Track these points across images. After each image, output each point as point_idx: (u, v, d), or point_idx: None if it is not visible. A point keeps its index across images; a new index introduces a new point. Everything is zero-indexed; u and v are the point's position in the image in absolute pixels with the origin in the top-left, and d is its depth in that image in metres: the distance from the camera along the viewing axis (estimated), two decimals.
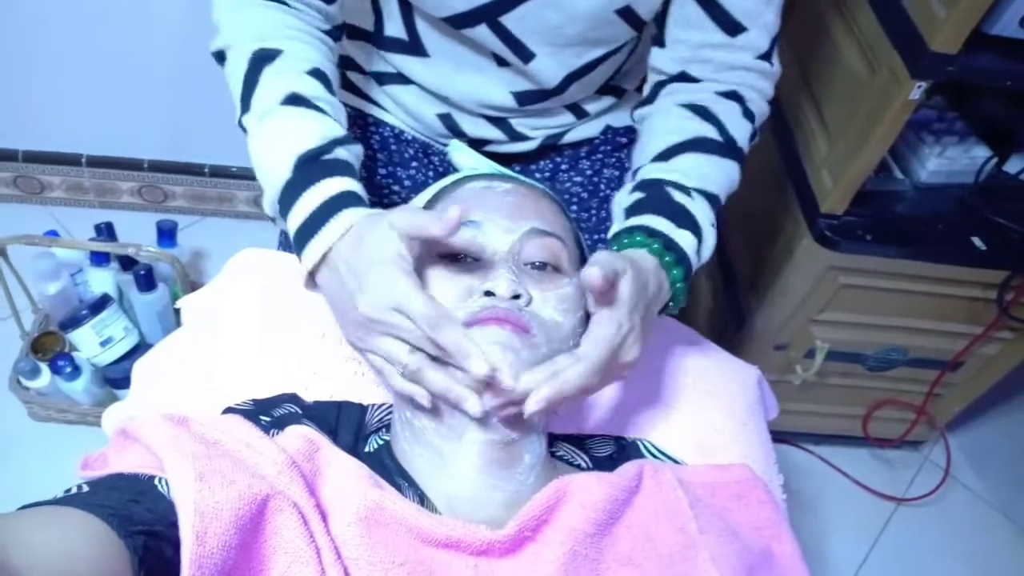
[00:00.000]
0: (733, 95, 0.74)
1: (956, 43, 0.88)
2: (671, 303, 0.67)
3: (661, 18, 0.76)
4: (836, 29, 1.11)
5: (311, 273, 0.63)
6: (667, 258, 0.64)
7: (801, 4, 1.17)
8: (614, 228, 0.70)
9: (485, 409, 0.54)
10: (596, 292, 0.55)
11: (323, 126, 0.64)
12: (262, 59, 0.66)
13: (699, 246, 0.67)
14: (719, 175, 0.71)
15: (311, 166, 0.63)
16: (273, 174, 0.63)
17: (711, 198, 0.70)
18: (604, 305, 0.57)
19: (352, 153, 0.66)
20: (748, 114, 0.74)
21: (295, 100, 0.65)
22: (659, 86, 0.78)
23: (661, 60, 0.77)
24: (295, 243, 0.62)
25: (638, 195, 0.69)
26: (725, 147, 0.72)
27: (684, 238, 0.66)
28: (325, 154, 0.63)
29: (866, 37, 1.03)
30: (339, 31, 0.75)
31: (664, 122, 0.74)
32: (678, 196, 0.68)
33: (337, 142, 0.65)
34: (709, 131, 0.71)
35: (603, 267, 0.54)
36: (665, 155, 0.71)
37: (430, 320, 0.52)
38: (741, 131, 0.73)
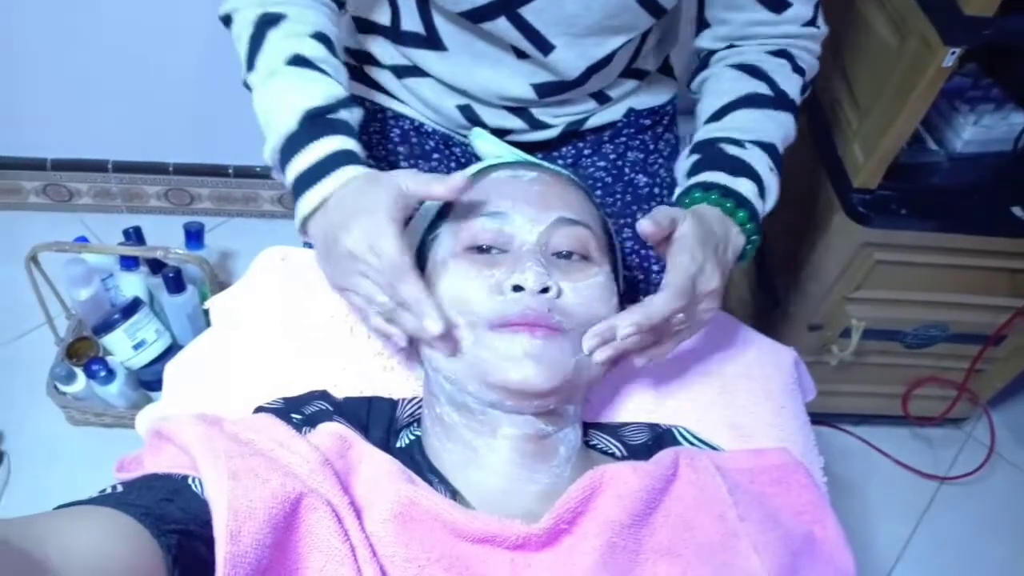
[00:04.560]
0: (782, 53, 0.75)
1: (992, 5, 0.84)
2: (748, 246, 0.68)
3: (701, 2, 0.77)
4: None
5: (305, 221, 0.64)
6: (728, 204, 0.66)
7: None
8: (676, 192, 0.72)
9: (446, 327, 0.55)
10: (653, 240, 0.58)
11: (328, 86, 0.66)
12: (267, 22, 0.68)
13: (760, 190, 0.68)
14: (773, 126, 0.72)
15: (316, 121, 0.64)
16: (278, 124, 0.65)
17: (766, 147, 0.71)
18: (671, 250, 0.59)
19: (354, 116, 0.68)
20: (798, 69, 0.75)
21: (300, 61, 0.67)
22: (709, 55, 0.80)
23: (705, 40, 0.79)
24: (294, 190, 0.64)
25: (695, 157, 0.71)
26: (777, 100, 0.73)
27: (742, 184, 0.67)
28: (330, 113, 0.65)
29: (894, 4, 1.00)
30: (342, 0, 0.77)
31: (716, 84, 0.76)
32: (732, 149, 0.69)
33: (341, 103, 0.66)
34: (760, 87, 0.73)
35: (654, 217, 0.57)
36: (718, 115, 0.73)
37: (394, 267, 0.55)
38: (792, 85, 0.74)
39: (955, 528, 1.43)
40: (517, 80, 0.81)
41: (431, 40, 0.80)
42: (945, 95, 1.07)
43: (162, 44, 1.42)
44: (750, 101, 0.72)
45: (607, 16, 0.73)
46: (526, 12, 0.73)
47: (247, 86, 0.70)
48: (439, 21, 0.79)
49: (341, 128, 0.65)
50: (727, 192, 0.66)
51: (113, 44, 1.41)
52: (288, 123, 0.64)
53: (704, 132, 0.72)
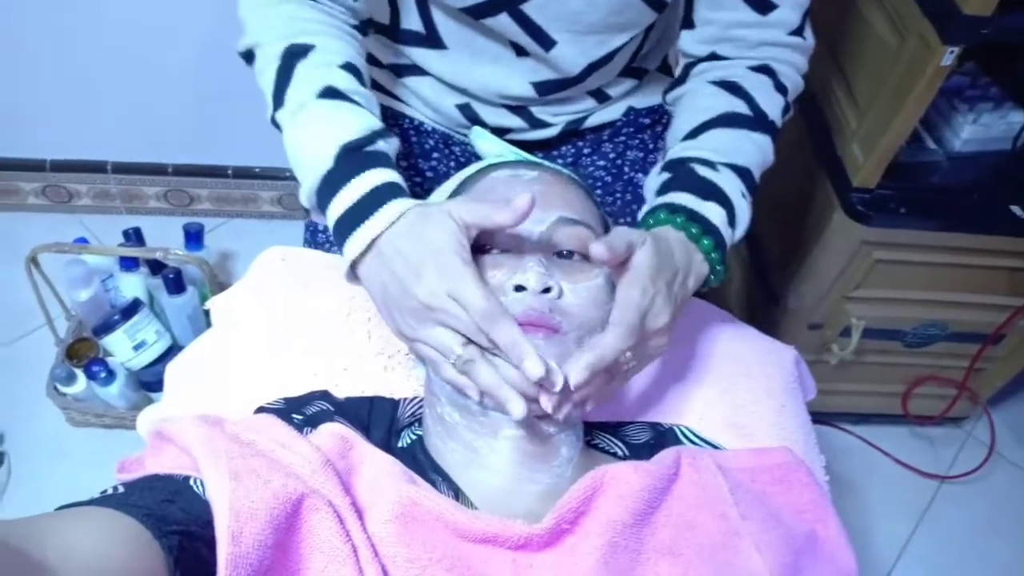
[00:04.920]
0: (765, 69, 0.73)
1: (990, 4, 0.85)
2: (711, 276, 0.66)
3: (689, 2, 0.75)
4: None
5: (353, 263, 0.61)
6: (693, 230, 0.64)
7: None
8: (642, 211, 0.69)
9: (527, 414, 0.52)
10: (608, 264, 0.55)
11: (362, 119, 0.64)
12: (294, 54, 0.65)
13: (729, 217, 0.66)
14: (749, 148, 0.70)
15: (354, 156, 0.61)
16: (313, 164, 0.62)
17: (740, 171, 0.68)
18: (623, 280, 0.57)
19: (391, 146, 0.66)
20: (780, 87, 0.73)
21: (332, 93, 0.64)
22: (689, 67, 0.77)
23: (689, 43, 0.77)
24: (336, 232, 0.61)
25: (665, 176, 0.69)
26: (755, 121, 0.71)
27: (710, 210, 0.65)
28: (368, 145, 0.62)
29: (893, 3, 1.00)
30: (365, 27, 0.75)
31: (693, 101, 0.74)
32: (703, 171, 0.67)
33: (377, 134, 0.64)
34: (739, 106, 0.71)
35: (609, 241, 0.54)
36: (694, 133, 0.71)
37: (485, 314, 0.51)
38: (773, 105, 0.72)
39: (956, 527, 1.43)
40: (517, 78, 0.81)
41: (431, 38, 0.80)
42: (944, 94, 1.08)
43: (161, 45, 1.42)
44: (728, 120, 0.70)
45: (612, 13, 0.73)
46: (528, 8, 0.72)
47: (275, 123, 0.67)
48: (439, 19, 0.79)
49: (380, 160, 0.62)
50: (693, 216, 0.64)
51: (112, 45, 1.41)
52: (324, 161, 0.61)
53: (678, 150, 0.70)
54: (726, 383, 0.74)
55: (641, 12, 0.74)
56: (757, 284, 1.42)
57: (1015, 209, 1.08)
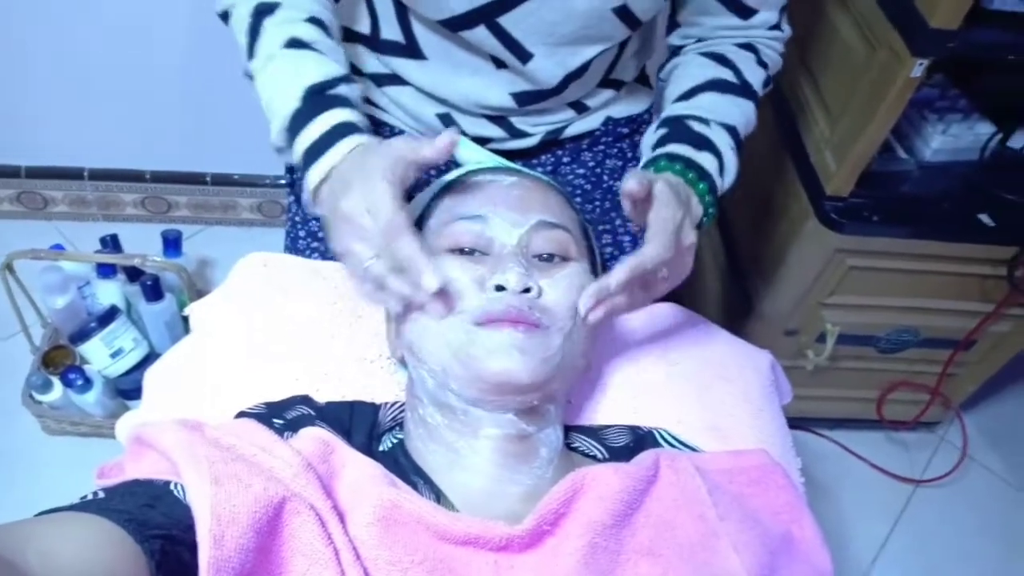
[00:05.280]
0: (748, 47, 0.79)
1: (956, 19, 0.87)
2: (704, 218, 0.70)
3: (673, 5, 0.81)
4: (833, 9, 1.10)
5: (315, 192, 0.65)
6: (690, 175, 0.69)
7: None
8: (641, 162, 0.75)
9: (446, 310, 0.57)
10: (636, 197, 0.60)
11: (324, 65, 0.68)
12: (262, 12, 0.70)
13: (720, 167, 0.72)
14: (736, 111, 0.76)
15: (318, 98, 0.66)
16: (282, 105, 0.67)
17: (729, 128, 0.74)
18: (647, 211, 0.62)
19: (353, 92, 0.70)
20: (762, 63, 0.79)
21: (296, 44, 0.69)
22: (680, 48, 0.84)
23: (676, 38, 0.84)
24: (303, 164, 0.66)
25: (662, 131, 0.74)
26: (741, 88, 0.77)
27: (704, 159, 0.71)
28: (329, 88, 0.67)
29: (864, 16, 1.02)
30: None
31: (685, 70, 0.80)
32: (697, 127, 0.73)
33: (339, 80, 0.68)
34: (727, 74, 0.77)
35: (636, 176, 0.59)
36: (686, 96, 0.77)
37: (390, 225, 0.56)
38: (755, 76, 0.78)
39: (931, 530, 1.45)
40: (496, 89, 0.82)
41: (410, 49, 0.81)
42: (914, 105, 1.10)
43: (139, 50, 1.41)
44: (716, 86, 0.76)
45: (584, 26, 0.74)
46: (504, 21, 0.73)
47: (248, 75, 0.72)
48: (418, 30, 0.79)
49: (341, 102, 0.66)
50: (690, 164, 0.69)
51: (89, 50, 1.40)
52: (291, 102, 0.66)
53: (672, 109, 0.76)
54: (704, 387, 0.75)
55: (615, 26, 0.75)
56: (733, 290, 1.44)
57: (983, 218, 1.10)
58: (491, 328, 0.56)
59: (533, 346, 0.55)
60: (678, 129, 0.73)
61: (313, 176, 0.64)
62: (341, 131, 0.64)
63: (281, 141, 0.68)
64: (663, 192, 0.61)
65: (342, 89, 0.68)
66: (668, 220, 0.61)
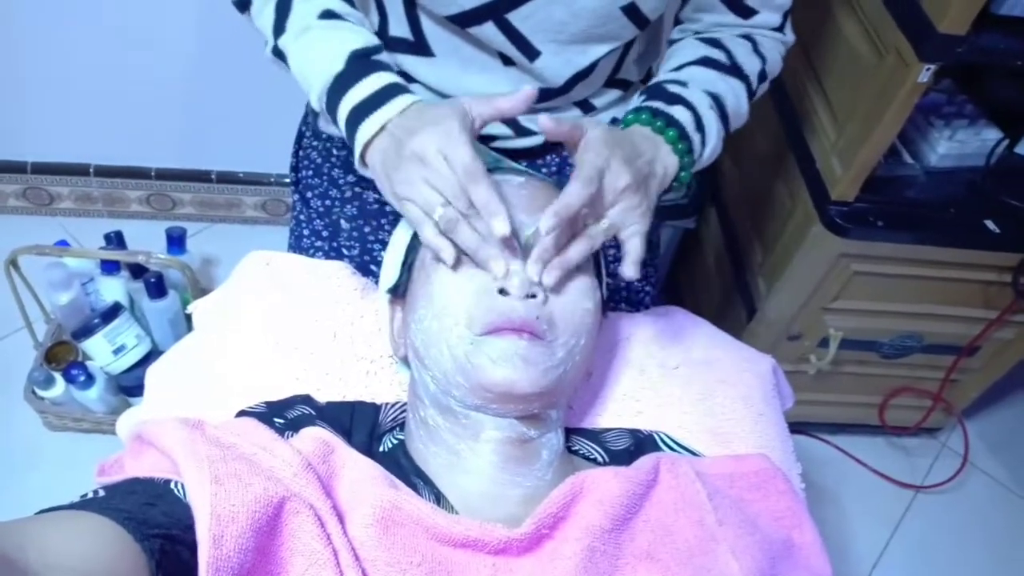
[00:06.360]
0: (747, 37, 0.79)
1: (964, 24, 0.87)
2: (682, 172, 0.68)
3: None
4: (840, 13, 1.10)
5: (365, 147, 0.64)
6: (658, 123, 0.68)
7: None
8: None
9: (507, 269, 0.57)
10: (552, 136, 0.61)
11: (364, 35, 0.69)
12: None
13: (698, 124, 0.70)
14: (722, 84, 0.75)
15: (363, 61, 0.66)
16: (325, 67, 0.66)
17: (712, 95, 0.73)
18: (578, 150, 0.61)
19: (393, 61, 0.70)
20: (759, 53, 0.78)
21: (330, 15, 0.69)
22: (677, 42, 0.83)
23: (676, 35, 0.83)
24: (350, 121, 0.65)
25: (641, 98, 0.73)
26: (730, 68, 0.76)
27: (675, 110, 0.69)
28: (374, 54, 0.67)
29: (871, 21, 1.02)
30: None
31: (679, 50, 0.80)
32: (673, 88, 0.72)
33: (379, 48, 0.69)
34: (718, 55, 0.76)
35: (557, 118, 0.60)
36: (675, 70, 0.76)
37: (468, 170, 0.56)
38: (749, 63, 0.77)
39: (931, 536, 1.45)
40: (503, 87, 0.82)
41: (419, 46, 0.81)
42: (921, 110, 1.10)
43: (145, 48, 1.41)
44: (705, 62, 0.76)
45: (593, 24, 0.74)
46: (513, 17, 0.73)
47: (276, 53, 0.71)
48: (427, 27, 0.79)
49: (386, 67, 0.67)
50: (657, 112, 0.68)
51: (95, 48, 1.40)
52: (335, 64, 0.66)
53: (655, 79, 0.76)
54: (705, 390, 0.75)
55: (623, 26, 0.75)
56: (736, 294, 1.43)
57: (989, 224, 1.10)
58: (493, 337, 0.56)
59: (537, 355, 0.55)
60: (653, 90, 0.73)
61: (364, 132, 0.63)
62: (392, 91, 0.64)
63: (320, 105, 0.68)
64: (590, 139, 0.61)
65: (384, 56, 0.68)
66: (589, 162, 0.59)
